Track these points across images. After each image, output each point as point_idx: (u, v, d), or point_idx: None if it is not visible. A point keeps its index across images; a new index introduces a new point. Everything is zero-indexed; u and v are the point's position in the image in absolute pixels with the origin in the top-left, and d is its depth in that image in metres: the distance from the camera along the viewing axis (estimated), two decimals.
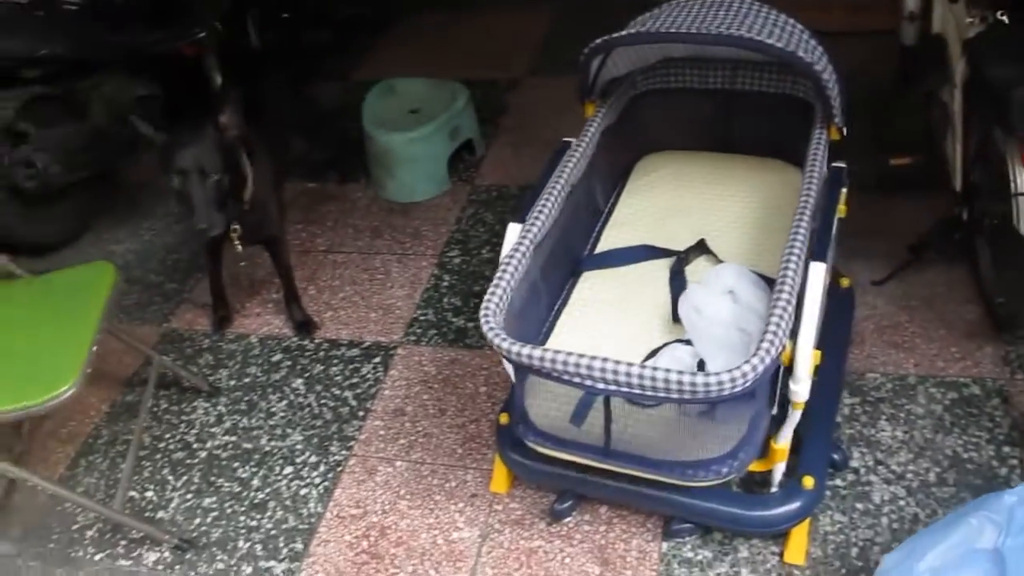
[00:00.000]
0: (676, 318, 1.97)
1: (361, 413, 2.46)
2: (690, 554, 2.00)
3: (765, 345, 1.52)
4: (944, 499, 2.02)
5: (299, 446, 2.41)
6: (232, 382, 2.63)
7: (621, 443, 1.72)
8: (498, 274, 1.78)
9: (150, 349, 2.53)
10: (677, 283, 2.07)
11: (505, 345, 1.62)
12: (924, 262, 2.51)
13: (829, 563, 1.94)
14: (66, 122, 3.00)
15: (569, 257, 2.19)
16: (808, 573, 1.93)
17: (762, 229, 2.20)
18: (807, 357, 1.68)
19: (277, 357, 2.69)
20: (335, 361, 2.64)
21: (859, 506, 2.04)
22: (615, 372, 1.54)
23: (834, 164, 1.99)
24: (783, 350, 1.56)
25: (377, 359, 2.62)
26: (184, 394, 2.60)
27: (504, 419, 2.13)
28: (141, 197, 3.44)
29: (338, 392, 2.54)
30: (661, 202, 2.34)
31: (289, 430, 2.45)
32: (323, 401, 2.52)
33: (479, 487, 2.22)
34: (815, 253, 1.73)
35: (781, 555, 1.96)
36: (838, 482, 2.08)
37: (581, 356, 1.56)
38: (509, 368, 1.78)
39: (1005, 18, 2.15)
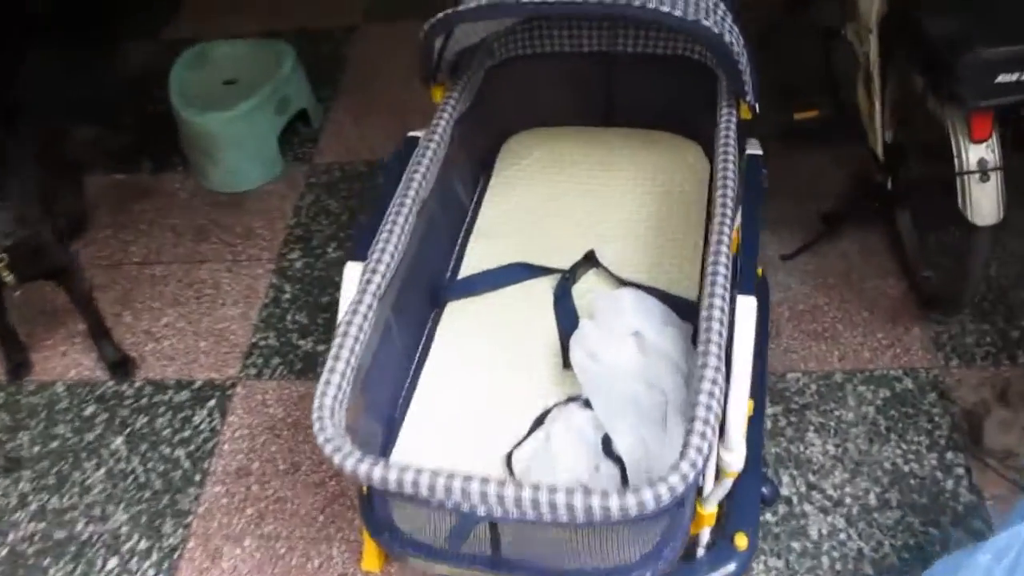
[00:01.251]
0: (567, 363, 1.59)
1: (197, 477, 2.02)
2: None
3: (695, 444, 1.16)
4: (889, 526, 1.76)
5: (124, 528, 1.95)
6: (36, 448, 2.12)
7: (513, 554, 1.35)
8: (334, 352, 1.35)
9: None
10: (564, 314, 1.68)
11: (350, 465, 1.21)
12: (835, 233, 2.21)
13: None
14: None
15: (428, 284, 1.77)
16: None
17: (662, 224, 1.83)
18: (740, 418, 1.34)
19: (90, 410, 2.19)
20: (161, 409, 2.16)
21: (795, 546, 1.75)
22: (500, 497, 1.15)
23: (749, 152, 1.62)
24: (707, 450, 1.20)
25: (212, 402, 2.16)
26: None
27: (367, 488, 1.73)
28: None
29: (168, 451, 2.08)
30: (535, 196, 1.94)
31: (111, 508, 1.99)
32: (150, 465, 2.06)
33: (348, 565, 1.82)
34: (742, 285, 1.37)
35: None
36: (769, 517, 1.79)
37: (454, 479, 1.16)
38: None
39: None
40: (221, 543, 1.90)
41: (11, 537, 1.97)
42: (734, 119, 1.61)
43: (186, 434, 2.11)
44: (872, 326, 2.08)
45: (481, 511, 1.18)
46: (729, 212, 1.42)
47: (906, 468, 1.84)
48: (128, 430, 2.13)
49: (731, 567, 1.59)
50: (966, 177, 1.63)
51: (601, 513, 1.12)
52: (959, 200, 1.66)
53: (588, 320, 1.61)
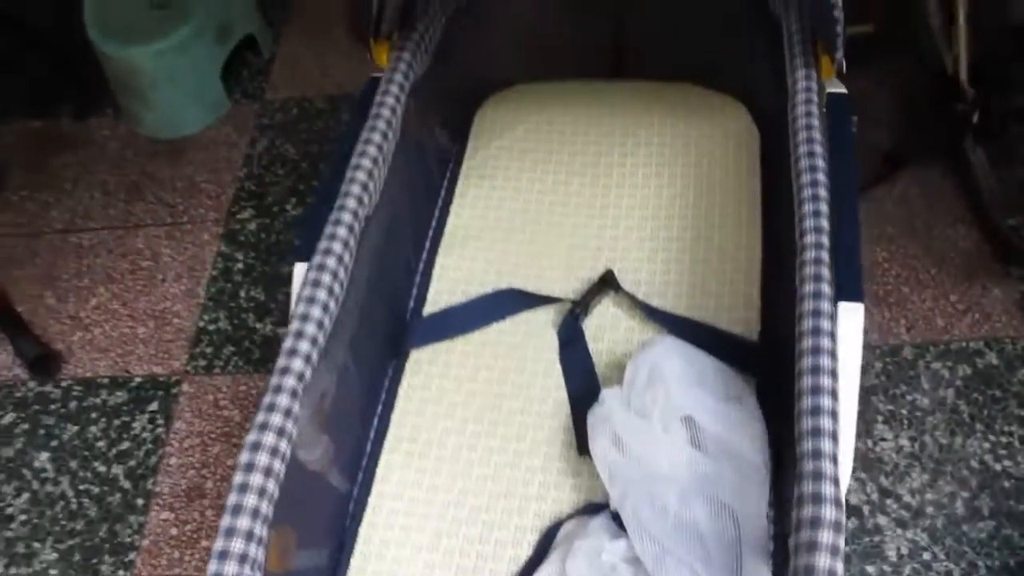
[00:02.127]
0: (583, 449, 1.16)
1: (140, 501, 1.67)
2: None
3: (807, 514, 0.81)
4: (982, 541, 1.44)
5: (53, 571, 1.62)
6: None
7: None
8: (258, 424, 0.97)
9: None
10: (576, 371, 1.24)
11: None
12: (899, 178, 1.83)
13: None
14: None
15: (383, 324, 1.32)
16: None
17: (701, 222, 1.39)
18: (849, 461, 0.99)
19: (8, 418, 1.82)
20: (93, 415, 1.80)
21: (871, 571, 1.44)
22: None
23: (831, 91, 1.23)
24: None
25: (153, 405, 1.79)
26: None
27: None
28: None
29: (103, 469, 1.73)
30: (522, 187, 1.48)
31: (36, 545, 1.65)
32: (82, 487, 1.71)
33: None
34: (843, 289, 1.00)
35: None
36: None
37: None
38: None
39: None
40: None
41: None
42: (814, 80, 1.20)
43: (124, 446, 1.75)
44: (943, 287, 1.73)
45: None
46: (822, 210, 1.04)
47: (997, 466, 1.52)
48: (54, 443, 1.78)
49: None
50: None
51: None
52: None
53: (612, 388, 1.15)
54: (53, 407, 1.83)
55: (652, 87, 1.54)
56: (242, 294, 1.94)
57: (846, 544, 1.39)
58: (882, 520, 1.48)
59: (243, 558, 0.88)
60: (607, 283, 1.30)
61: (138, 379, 1.84)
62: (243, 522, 0.89)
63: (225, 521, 0.89)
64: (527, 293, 1.33)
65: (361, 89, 1.34)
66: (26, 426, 1.81)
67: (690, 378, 1.08)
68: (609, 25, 1.51)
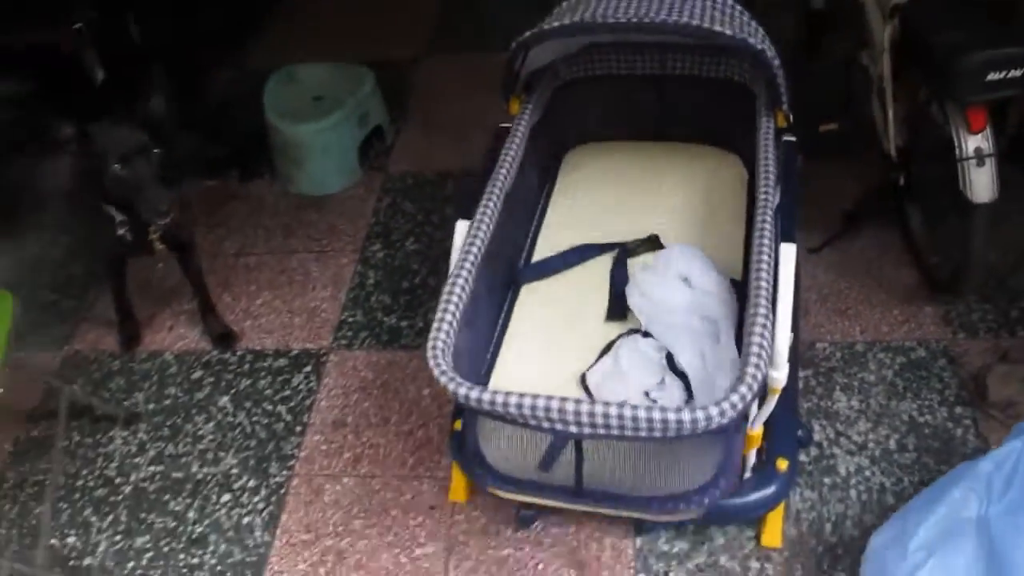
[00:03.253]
0: (612, 315, 1.91)
1: (298, 428, 2.30)
2: (665, 547, 1.95)
3: (751, 371, 1.43)
4: (907, 465, 2.04)
5: (235, 470, 2.23)
6: (151, 406, 2.41)
7: (593, 482, 1.61)
8: (444, 298, 1.64)
9: (55, 378, 2.29)
10: (619, 274, 1.98)
11: (463, 391, 1.47)
12: (856, 229, 2.52)
13: (805, 541, 1.93)
14: None
15: (507, 267, 2.06)
16: (786, 554, 1.91)
17: (706, 223, 2.13)
18: (785, 342, 1.63)
19: (197, 374, 2.48)
20: (262, 374, 2.46)
21: (827, 480, 2.03)
22: (591, 415, 1.40)
23: (786, 139, 1.94)
24: (762, 377, 1.48)
25: (308, 368, 2.45)
26: (98, 424, 2.37)
27: (458, 425, 2.01)
28: (15, 207, 3.12)
29: (270, 407, 2.37)
30: (596, 198, 2.25)
31: (221, 453, 2.27)
32: (255, 419, 2.35)
33: (437, 498, 2.10)
34: (784, 233, 1.67)
35: (757, 539, 1.93)
36: (803, 458, 2.06)
37: (551, 399, 1.42)
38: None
39: None
40: (323, 481, 2.18)
41: (133, 477, 2.25)
42: (772, 125, 1.93)
43: (286, 393, 2.40)
44: (889, 306, 2.38)
45: (572, 429, 1.43)
46: (770, 193, 1.73)
47: (921, 420, 2.12)
48: (233, 391, 2.43)
49: (773, 488, 1.87)
50: (965, 162, 1.95)
51: (675, 426, 1.37)
52: (960, 182, 1.98)
53: (641, 271, 1.92)
54: (231, 368, 2.49)
55: (677, 145, 2.34)
56: (373, 299, 2.62)
57: (809, 465, 2.00)
58: (836, 451, 2.08)
59: (448, 330, 1.58)
60: (652, 241, 2.05)
61: (295, 351, 2.51)
62: (447, 315, 1.59)
63: (440, 307, 1.62)
64: (593, 244, 2.08)
65: (494, 133, 2.08)
66: (211, 379, 2.46)
67: (686, 257, 1.86)
68: (652, 110, 2.31)
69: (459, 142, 3.12)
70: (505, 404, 1.44)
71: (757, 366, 1.46)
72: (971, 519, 1.61)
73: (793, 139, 1.96)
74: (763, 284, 1.59)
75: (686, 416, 1.37)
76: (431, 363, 1.54)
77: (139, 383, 2.48)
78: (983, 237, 2.05)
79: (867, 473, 2.04)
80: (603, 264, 2.09)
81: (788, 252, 1.67)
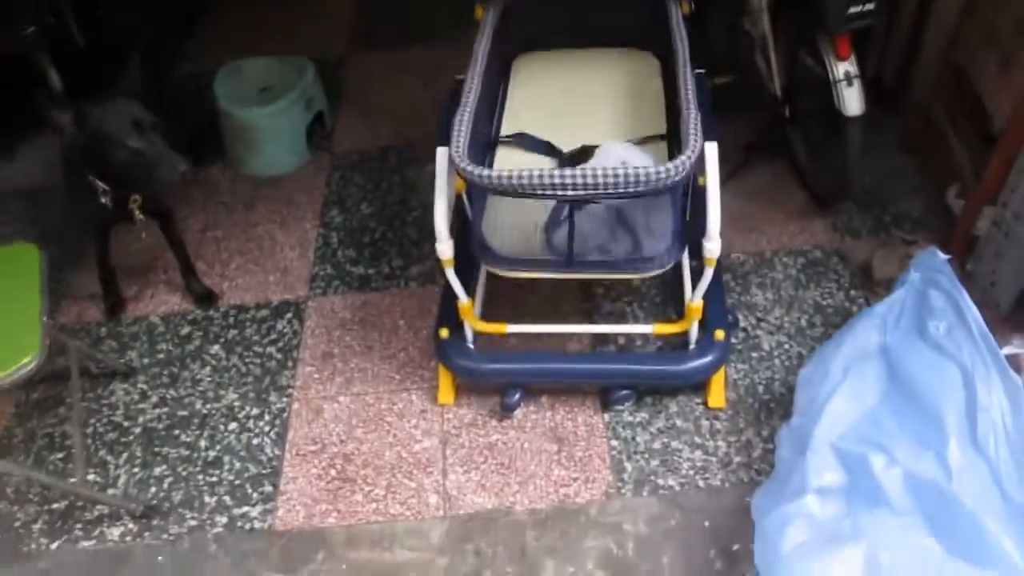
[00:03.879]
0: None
1: (290, 363, 2.56)
2: (629, 418, 2.31)
3: (691, 142, 1.85)
4: (817, 338, 2.46)
5: (237, 403, 2.47)
6: (145, 360, 2.62)
7: (581, 252, 1.97)
8: (458, 116, 1.97)
9: (60, 333, 2.46)
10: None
11: (483, 175, 1.80)
12: (753, 162, 2.97)
13: (743, 401, 2.32)
14: None
15: (482, 136, 2.32)
16: (730, 412, 2.30)
17: (633, 116, 2.44)
18: (716, 219, 2.02)
19: (186, 330, 2.70)
20: (248, 324, 2.70)
21: (754, 355, 2.43)
22: (585, 176, 1.75)
23: (696, 71, 2.33)
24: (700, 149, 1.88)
25: (289, 315, 2.71)
26: (97, 380, 2.57)
27: (444, 333, 2.33)
28: None
29: (260, 350, 2.61)
30: (540, 100, 2.51)
31: (222, 392, 2.50)
32: (247, 360, 2.59)
33: (426, 403, 2.40)
34: (707, 134, 2.05)
35: (705, 403, 2.32)
36: (733, 340, 2.46)
37: (553, 169, 1.78)
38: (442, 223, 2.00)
39: None
40: (320, 403, 2.44)
41: (141, 420, 2.46)
42: (679, 12, 2.34)
43: (273, 337, 2.65)
44: (787, 221, 2.83)
45: (569, 192, 1.78)
46: (689, 70, 2.12)
47: (823, 303, 2.56)
48: (222, 339, 2.66)
49: (714, 355, 2.26)
50: (838, 84, 2.42)
51: (652, 177, 1.75)
52: (836, 101, 2.43)
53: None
54: (217, 321, 2.72)
55: (607, 51, 2.65)
56: (339, 254, 2.90)
57: (738, 345, 2.39)
58: (759, 333, 2.49)
59: (461, 138, 1.92)
60: (584, 150, 2.27)
61: (275, 302, 2.76)
62: (462, 125, 1.94)
63: (455, 121, 1.96)
64: (539, 140, 2.32)
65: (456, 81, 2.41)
66: (200, 333, 2.69)
67: (623, 148, 2.16)
68: (579, 20, 2.63)
69: (393, 123, 3.44)
70: (521, 177, 1.78)
71: (695, 139, 1.87)
72: (875, 345, 2.02)
73: (703, 70, 2.37)
74: (691, 99, 2.01)
75: (660, 168, 1.76)
76: (456, 159, 1.86)
77: (130, 343, 2.68)
78: (858, 145, 2.50)
79: (786, 346, 2.45)
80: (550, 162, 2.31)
81: (712, 150, 2.06)
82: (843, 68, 2.41)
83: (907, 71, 3.02)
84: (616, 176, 1.77)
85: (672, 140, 2.28)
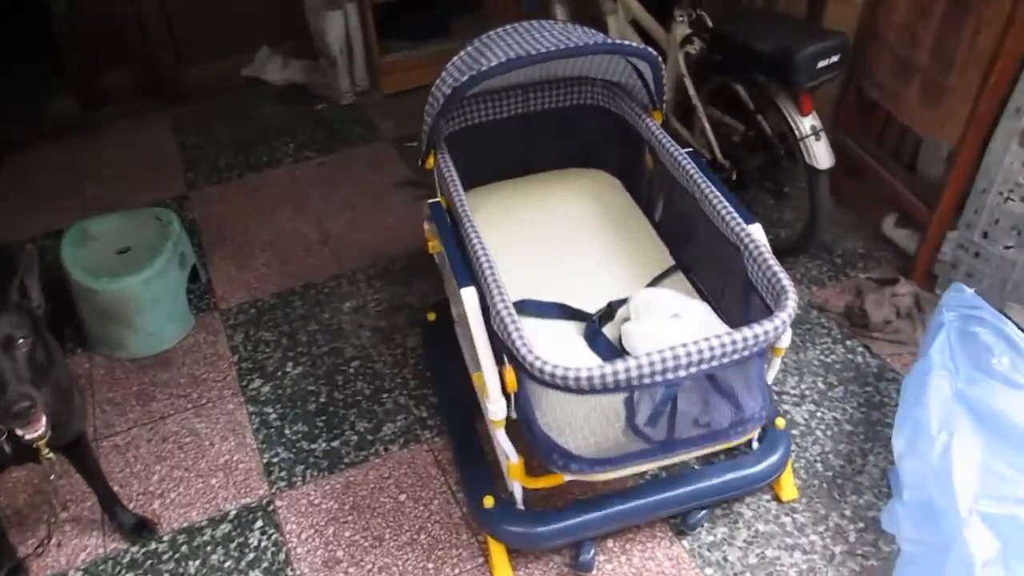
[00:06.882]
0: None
1: None
2: (710, 538, 2.07)
3: (791, 295, 1.65)
4: (839, 398, 2.37)
5: None
6: None
7: (682, 430, 1.71)
8: (507, 321, 1.62)
9: None
10: (601, 342, 2.00)
11: (584, 375, 1.49)
12: None
13: (811, 485, 2.17)
14: None
15: None
16: (804, 501, 2.13)
17: (616, 236, 2.31)
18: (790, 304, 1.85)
19: None
20: (208, 548, 2.16)
21: (795, 432, 2.29)
22: (688, 355, 1.51)
23: (687, 150, 2.17)
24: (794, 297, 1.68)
25: (259, 522, 2.21)
26: None
27: (490, 502, 1.98)
28: None
29: None
30: (514, 243, 2.30)
31: None
32: None
33: None
34: (745, 219, 1.88)
35: (777, 498, 2.14)
36: None
37: (661, 351, 1.50)
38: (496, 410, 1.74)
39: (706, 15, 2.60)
40: None
41: None
42: (653, 121, 2.18)
43: (250, 557, 2.13)
44: None
45: (682, 373, 1.52)
46: (704, 175, 1.96)
47: (828, 360, 2.48)
48: None
49: (783, 446, 2.09)
50: (806, 139, 2.37)
51: (752, 340, 1.53)
52: (805, 156, 2.39)
53: (628, 321, 1.98)
54: (167, 557, 2.15)
55: (551, 173, 2.50)
56: (287, 432, 2.42)
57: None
58: (786, 406, 2.37)
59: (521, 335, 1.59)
60: (610, 307, 2.08)
61: (232, 511, 2.24)
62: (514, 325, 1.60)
63: (508, 328, 1.60)
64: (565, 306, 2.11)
65: (431, 203, 2.10)
66: None
67: (660, 295, 2.00)
68: (526, 146, 2.45)
69: (276, 261, 3.01)
70: (627, 371, 1.49)
71: (789, 290, 1.67)
72: (950, 395, 1.95)
73: (692, 148, 2.22)
74: (760, 245, 1.80)
75: (756, 330, 1.54)
76: (539, 364, 1.52)
77: None
78: (827, 196, 2.47)
79: (819, 415, 2.34)
80: (570, 327, 2.09)
81: (758, 230, 1.90)
82: (808, 123, 2.37)
83: None
84: (734, 343, 1.53)
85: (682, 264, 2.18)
